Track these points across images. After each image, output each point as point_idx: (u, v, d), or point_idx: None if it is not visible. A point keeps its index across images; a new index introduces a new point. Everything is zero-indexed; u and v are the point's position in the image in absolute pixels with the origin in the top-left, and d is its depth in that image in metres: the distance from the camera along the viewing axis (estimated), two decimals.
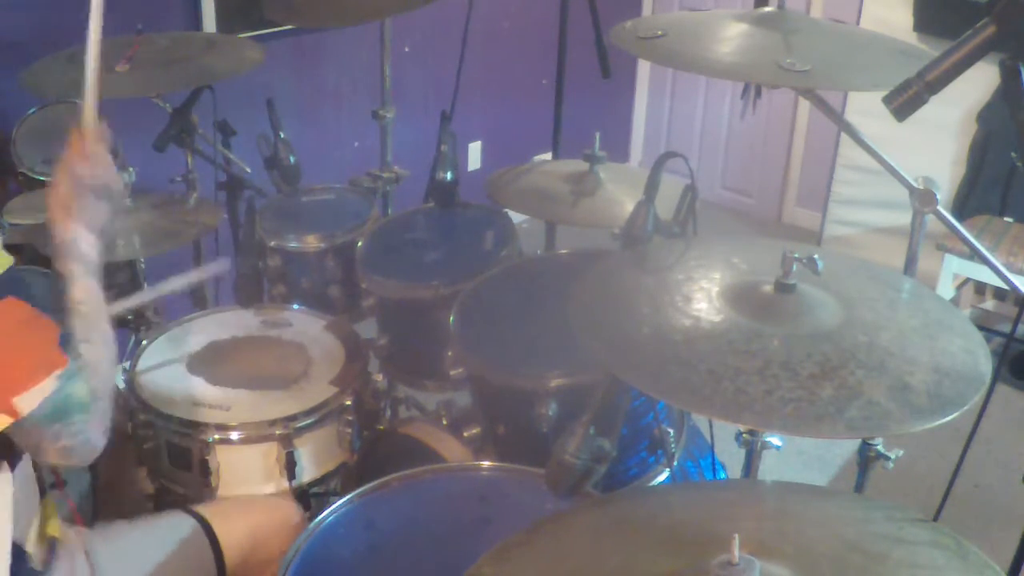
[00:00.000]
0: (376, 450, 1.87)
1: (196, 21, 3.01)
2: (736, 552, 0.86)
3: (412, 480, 1.53)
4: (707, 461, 1.86)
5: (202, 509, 1.58)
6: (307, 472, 1.81)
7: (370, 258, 2.08)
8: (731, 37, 1.42)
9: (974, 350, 1.13)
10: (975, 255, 2.27)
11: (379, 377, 2.02)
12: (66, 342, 1.19)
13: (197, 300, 2.37)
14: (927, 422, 1.00)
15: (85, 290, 1.28)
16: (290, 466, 1.76)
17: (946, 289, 3.26)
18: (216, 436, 1.73)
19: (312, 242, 2.20)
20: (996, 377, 1.17)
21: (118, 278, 2.41)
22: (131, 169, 2.08)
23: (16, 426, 1.13)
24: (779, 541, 0.96)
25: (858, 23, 3.69)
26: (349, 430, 1.84)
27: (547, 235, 2.41)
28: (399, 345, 2.06)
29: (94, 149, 1.34)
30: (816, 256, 1.16)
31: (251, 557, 1.55)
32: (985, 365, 1.10)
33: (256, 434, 1.75)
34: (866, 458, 1.52)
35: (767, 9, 1.46)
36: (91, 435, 1.20)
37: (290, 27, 3.08)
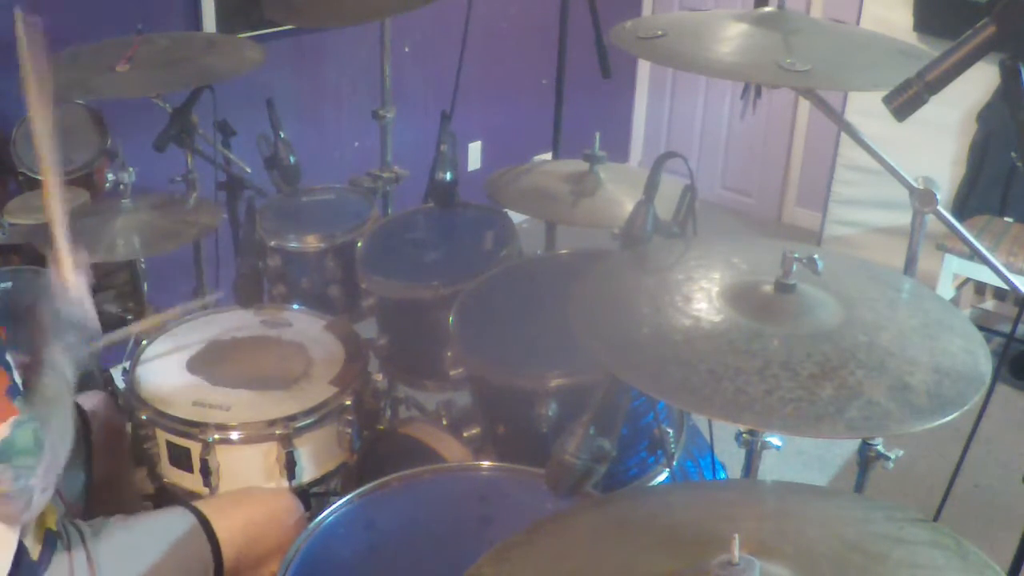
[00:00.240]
0: (376, 450, 1.87)
1: (196, 21, 3.01)
2: (736, 552, 0.87)
3: (412, 480, 1.53)
4: (707, 461, 1.86)
5: (200, 504, 1.58)
6: (307, 472, 1.82)
7: (370, 258, 2.08)
8: (731, 37, 1.42)
9: (974, 350, 1.13)
10: (975, 255, 2.27)
11: (379, 377, 2.02)
12: (15, 393, 1.20)
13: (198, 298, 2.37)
14: (927, 422, 1.00)
15: (54, 385, 1.31)
16: (290, 466, 1.77)
17: (946, 289, 3.26)
18: (216, 436, 1.73)
19: (312, 242, 2.20)
20: (996, 377, 1.17)
21: (118, 278, 2.41)
22: (131, 169, 2.08)
23: None
24: (779, 541, 0.96)
25: (858, 23, 3.69)
26: (349, 430, 1.84)
27: (547, 235, 2.41)
28: (399, 345, 2.06)
29: (70, 279, 1.36)
30: (816, 256, 1.16)
31: (249, 551, 1.56)
32: (985, 365, 1.10)
33: (256, 434, 1.75)
34: (866, 458, 1.52)
35: (767, 9, 1.46)
36: (32, 485, 1.20)
37: (290, 27, 3.07)
